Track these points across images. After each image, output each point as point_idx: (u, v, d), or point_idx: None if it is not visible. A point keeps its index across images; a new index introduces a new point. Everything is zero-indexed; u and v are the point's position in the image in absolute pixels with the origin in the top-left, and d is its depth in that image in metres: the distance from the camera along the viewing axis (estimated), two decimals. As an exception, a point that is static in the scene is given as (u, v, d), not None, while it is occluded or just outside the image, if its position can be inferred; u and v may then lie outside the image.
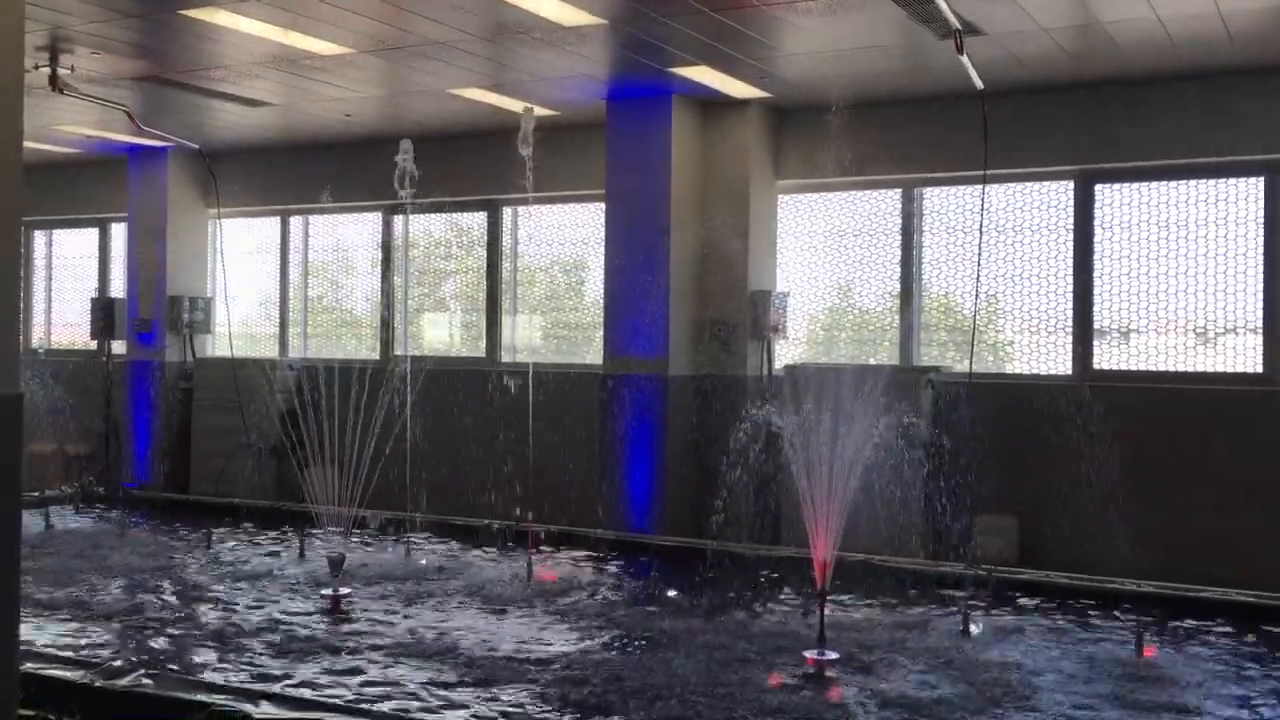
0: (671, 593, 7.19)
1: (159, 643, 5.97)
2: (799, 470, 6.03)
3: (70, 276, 14.31)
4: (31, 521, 9.12)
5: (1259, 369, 8.59)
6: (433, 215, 11.78)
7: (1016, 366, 9.50)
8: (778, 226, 10.21)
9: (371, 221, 12.22)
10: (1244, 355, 8.69)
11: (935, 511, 8.78)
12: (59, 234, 14.34)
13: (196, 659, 5.69)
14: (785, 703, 5.08)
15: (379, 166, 9.30)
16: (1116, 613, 6.67)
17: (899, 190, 9.79)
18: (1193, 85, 8.63)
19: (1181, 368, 8.83)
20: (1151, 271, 8.94)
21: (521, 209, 11.37)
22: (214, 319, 12.82)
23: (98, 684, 4.79)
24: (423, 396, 9.23)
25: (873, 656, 5.81)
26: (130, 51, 8.52)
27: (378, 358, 12.01)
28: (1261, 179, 8.60)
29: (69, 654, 5.51)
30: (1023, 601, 7.00)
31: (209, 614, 6.62)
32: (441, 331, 12.24)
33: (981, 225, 8.35)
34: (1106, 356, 9.12)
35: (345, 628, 6.35)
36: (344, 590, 6.90)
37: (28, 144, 10.21)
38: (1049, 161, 9.12)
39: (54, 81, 8.88)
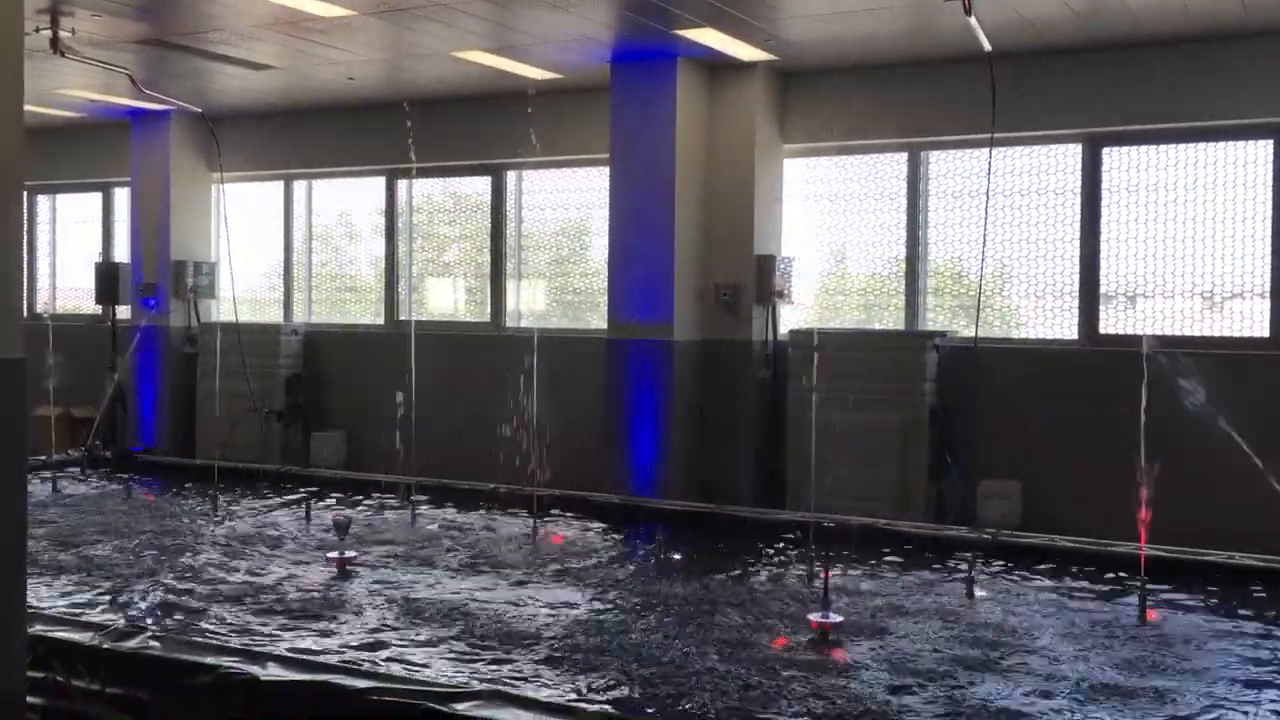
0: (675, 556, 7.21)
1: (166, 605, 5.99)
2: (804, 435, 6.04)
3: (74, 241, 14.29)
4: (38, 485, 9.15)
5: (1266, 333, 8.57)
6: (436, 180, 11.74)
7: (1023, 331, 9.48)
8: (783, 190, 10.17)
9: (375, 186, 12.18)
10: (1251, 319, 8.66)
11: (940, 476, 8.80)
12: (62, 198, 14.32)
13: (203, 621, 5.72)
14: (789, 664, 5.10)
15: (382, 131, 9.27)
16: (1120, 576, 6.68)
17: (905, 154, 9.74)
18: (1202, 48, 8.55)
19: (1188, 332, 8.80)
20: (1159, 236, 8.91)
21: (525, 174, 11.32)
22: (218, 284, 12.82)
23: (105, 646, 4.81)
24: (427, 361, 9.22)
25: (877, 619, 5.83)
26: (131, 14, 8.46)
27: (382, 323, 12.02)
28: (1270, 142, 8.55)
29: (77, 616, 5.53)
30: (1027, 565, 7.01)
31: (216, 576, 6.65)
32: (446, 297, 12.23)
33: (988, 189, 8.31)
34: (1113, 321, 9.09)
35: (351, 589, 6.38)
36: (350, 553, 6.93)
37: (29, 108, 10.16)
38: (1056, 125, 9.06)
39: (55, 44, 8.82)
